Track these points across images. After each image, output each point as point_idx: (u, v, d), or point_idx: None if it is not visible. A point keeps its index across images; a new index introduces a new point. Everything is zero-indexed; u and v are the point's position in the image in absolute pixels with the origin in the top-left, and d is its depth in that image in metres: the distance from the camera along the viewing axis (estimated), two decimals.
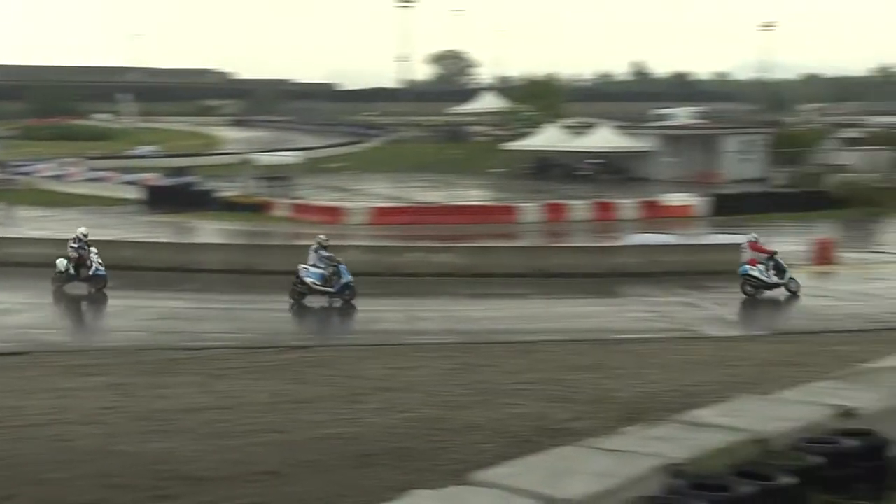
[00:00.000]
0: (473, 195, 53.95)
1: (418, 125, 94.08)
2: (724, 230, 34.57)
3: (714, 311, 24.27)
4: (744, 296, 26.07)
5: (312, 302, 25.61)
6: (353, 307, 25.20)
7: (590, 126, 67.50)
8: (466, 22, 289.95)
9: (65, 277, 27.64)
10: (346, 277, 25.68)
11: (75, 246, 27.79)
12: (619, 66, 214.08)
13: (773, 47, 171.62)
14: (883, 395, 9.03)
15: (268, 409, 15.24)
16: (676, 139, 62.55)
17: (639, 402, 15.16)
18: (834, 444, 7.59)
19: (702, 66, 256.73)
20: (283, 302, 26.06)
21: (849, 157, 55.37)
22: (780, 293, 26.09)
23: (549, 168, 64.08)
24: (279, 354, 19.57)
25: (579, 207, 44.09)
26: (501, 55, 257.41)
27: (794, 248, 33.35)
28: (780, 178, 54.77)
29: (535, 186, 56.17)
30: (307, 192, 51.09)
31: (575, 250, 31.86)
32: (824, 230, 36.32)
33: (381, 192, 55.12)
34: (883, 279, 27.86)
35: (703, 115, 79.53)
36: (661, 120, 74.68)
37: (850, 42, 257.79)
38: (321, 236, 27.11)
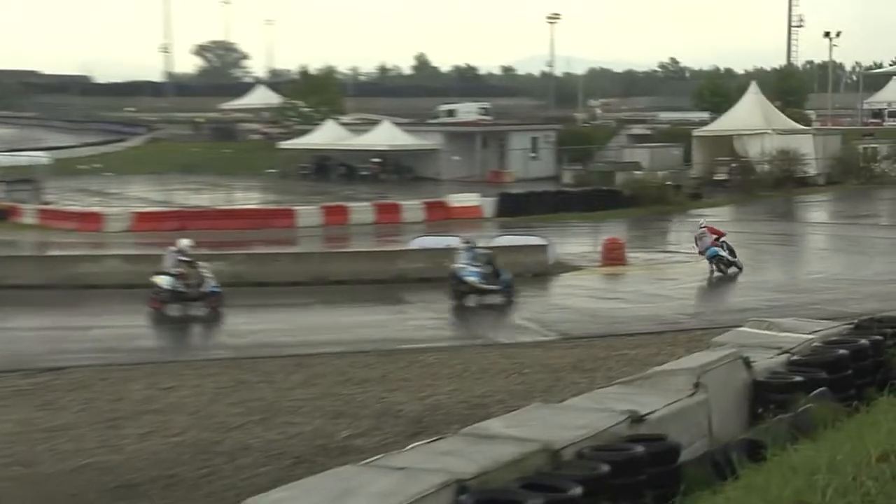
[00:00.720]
0: (247, 198, 53.32)
1: (184, 122, 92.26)
2: (513, 231, 35.42)
3: (505, 317, 24.81)
4: (719, 274, 29.64)
5: (471, 301, 26.10)
6: (513, 303, 26.11)
7: (371, 123, 67.82)
8: (234, 11, 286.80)
9: (169, 297, 25.39)
10: (506, 275, 26.58)
11: (184, 259, 25.53)
12: (401, 60, 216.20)
13: (560, 41, 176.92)
14: (672, 398, 9.43)
15: (13, 440, 14.60)
16: (462, 136, 63.62)
17: (426, 416, 15.34)
18: (623, 452, 7.86)
19: (487, 61, 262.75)
20: (31, 319, 25.04)
21: (638, 154, 57.83)
22: (733, 270, 29.82)
23: (329, 168, 64.05)
24: (27, 378, 18.77)
25: (361, 210, 44.22)
26: (273, 47, 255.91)
27: (582, 248, 34.59)
28: (569, 176, 56.59)
29: (313, 188, 56.01)
30: (58, 197, 49.25)
31: (357, 255, 31.92)
32: (613, 230, 37.74)
33: (143, 195, 53.73)
34: (671, 279, 29.15)
35: (489, 111, 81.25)
36: (445, 116, 75.76)
37: (639, 37, 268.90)
38: (468, 234, 28.59)
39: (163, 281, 25.54)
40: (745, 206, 49.10)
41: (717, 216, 46.00)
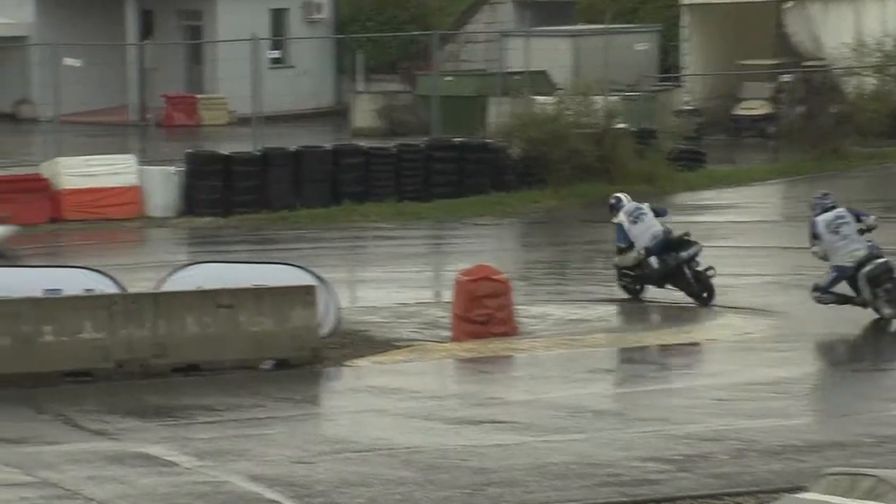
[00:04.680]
0: None
1: None
2: (224, 255, 18.55)
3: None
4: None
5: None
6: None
7: None
8: None
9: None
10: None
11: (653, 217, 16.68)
12: None
13: None
14: None
15: None
16: (92, 7, 32.32)
17: None
18: None
19: None
20: None
21: (543, 52, 32.41)
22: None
23: None
24: None
25: None
26: None
27: (407, 294, 18.51)
28: (369, 110, 32.69)
29: None
30: None
31: None
32: (481, 248, 22.36)
33: None
34: (626, 367, 15.84)
35: None
36: None
37: None
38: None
39: (628, 257, 16.78)
40: (819, 179, 25.57)
41: (741, 209, 24.19)
